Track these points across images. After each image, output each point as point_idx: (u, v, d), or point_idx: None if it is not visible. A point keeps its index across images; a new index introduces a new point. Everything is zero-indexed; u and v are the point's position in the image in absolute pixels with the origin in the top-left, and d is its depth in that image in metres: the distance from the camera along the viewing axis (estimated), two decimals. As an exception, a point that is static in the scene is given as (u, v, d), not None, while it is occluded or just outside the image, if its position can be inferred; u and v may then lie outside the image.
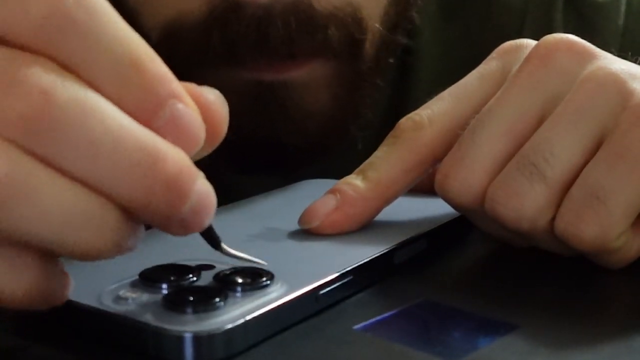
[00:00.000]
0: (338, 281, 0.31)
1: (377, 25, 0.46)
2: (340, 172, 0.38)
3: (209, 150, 0.27)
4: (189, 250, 0.34)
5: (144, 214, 0.25)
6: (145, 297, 0.28)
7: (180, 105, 0.25)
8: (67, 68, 0.24)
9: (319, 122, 0.46)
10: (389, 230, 0.37)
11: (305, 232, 0.36)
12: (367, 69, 0.47)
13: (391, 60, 0.51)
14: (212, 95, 0.27)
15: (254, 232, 0.36)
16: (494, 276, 0.36)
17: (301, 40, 0.43)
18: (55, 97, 0.23)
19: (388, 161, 0.37)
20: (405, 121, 0.38)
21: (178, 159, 0.25)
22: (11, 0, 0.24)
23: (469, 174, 0.35)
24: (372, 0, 0.46)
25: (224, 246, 0.29)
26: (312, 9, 0.43)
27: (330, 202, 0.36)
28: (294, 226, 0.37)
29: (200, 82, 0.45)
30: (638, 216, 0.33)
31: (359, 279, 0.33)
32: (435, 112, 0.37)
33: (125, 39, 0.25)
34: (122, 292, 0.29)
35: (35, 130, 0.23)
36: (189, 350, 0.26)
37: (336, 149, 0.49)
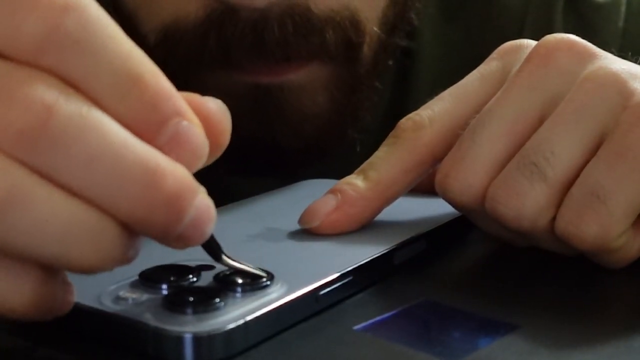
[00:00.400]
0: (338, 281, 0.31)
1: (374, 28, 0.46)
2: (340, 173, 0.38)
3: (211, 160, 0.27)
4: (189, 250, 0.33)
5: (143, 228, 0.25)
6: (145, 297, 0.28)
7: (183, 123, 0.25)
8: (69, 83, 0.24)
9: (316, 125, 0.46)
10: (389, 230, 0.37)
11: (305, 232, 0.36)
12: (365, 72, 0.47)
13: (390, 63, 0.51)
14: (215, 105, 0.27)
15: (254, 232, 0.36)
16: (494, 276, 0.36)
17: (297, 44, 0.43)
18: (56, 113, 0.23)
19: (388, 161, 0.37)
20: (405, 121, 0.38)
21: (178, 175, 0.25)
22: (7, 16, 0.24)
23: (469, 174, 0.35)
24: (369, 3, 0.46)
25: (225, 258, 0.29)
26: (309, 12, 0.43)
27: (331, 201, 0.36)
28: (294, 226, 0.37)
29: (198, 84, 0.45)
30: (638, 216, 0.33)
31: (359, 279, 0.33)
32: (436, 112, 0.37)
33: (127, 55, 0.25)
34: (122, 292, 0.29)
35: (35, 145, 0.23)
36: (189, 350, 0.26)
37: (334, 152, 0.49)
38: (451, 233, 0.39)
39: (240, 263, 0.30)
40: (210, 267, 0.31)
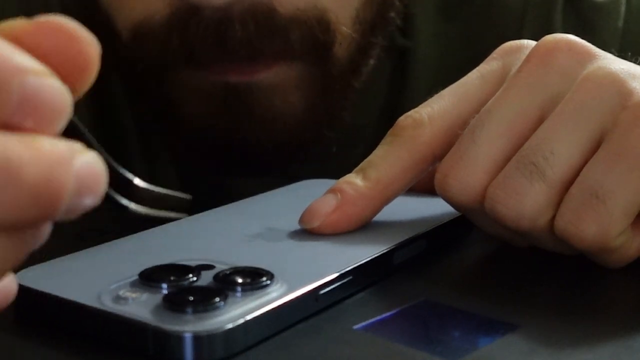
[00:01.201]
0: (338, 281, 0.31)
1: (345, 28, 0.46)
2: (339, 172, 0.38)
3: (84, 89, 0.23)
4: (189, 250, 0.34)
5: (21, 226, 0.21)
6: (145, 297, 0.28)
7: (30, 79, 0.20)
8: None
9: (289, 125, 0.46)
10: (389, 230, 0.37)
11: (305, 232, 0.36)
12: (338, 72, 0.47)
13: (371, 62, 0.50)
14: (71, 24, 0.22)
15: (254, 231, 0.36)
16: (494, 276, 0.36)
17: (261, 43, 0.43)
18: None
19: (388, 160, 0.37)
20: (404, 119, 0.38)
21: (40, 158, 0.20)
22: None
23: (468, 174, 0.35)
24: (340, 2, 0.46)
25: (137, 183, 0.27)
26: (273, 11, 0.43)
27: (331, 201, 0.36)
28: (294, 226, 0.37)
29: (171, 83, 0.45)
30: (638, 215, 0.33)
31: (358, 279, 0.33)
32: (435, 110, 0.37)
33: None
34: (122, 292, 0.29)
35: None
36: (189, 350, 0.26)
37: (310, 151, 0.49)
38: (451, 233, 0.39)
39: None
40: (210, 267, 0.31)
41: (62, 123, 0.21)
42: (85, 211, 0.22)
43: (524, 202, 0.33)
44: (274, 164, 0.48)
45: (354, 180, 0.37)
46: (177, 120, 0.47)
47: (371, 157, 0.38)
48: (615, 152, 0.33)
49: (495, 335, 0.29)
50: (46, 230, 0.23)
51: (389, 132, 0.38)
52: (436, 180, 0.36)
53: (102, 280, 0.29)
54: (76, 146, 0.21)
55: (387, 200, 0.37)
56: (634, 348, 0.29)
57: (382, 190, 0.37)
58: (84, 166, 0.21)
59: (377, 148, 0.38)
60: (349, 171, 0.38)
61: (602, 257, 0.35)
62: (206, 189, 0.53)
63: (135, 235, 0.36)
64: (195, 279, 0.30)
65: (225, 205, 0.41)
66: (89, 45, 0.22)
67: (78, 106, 0.22)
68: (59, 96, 0.21)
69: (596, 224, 0.33)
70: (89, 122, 0.54)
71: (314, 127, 0.48)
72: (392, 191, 0.37)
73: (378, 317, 0.31)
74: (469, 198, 0.35)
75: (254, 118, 0.45)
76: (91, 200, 0.22)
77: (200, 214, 0.39)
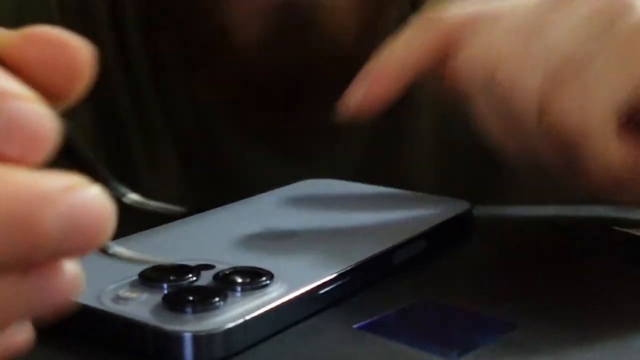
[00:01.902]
0: (338, 281, 0.31)
1: None
2: (338, 172, 0.38)
3: (80, 94, 0.22)
4: (189, 250, 0.34)
5: (6, 264, 0.19)
6: (145, 297, 0.28)
7: (15, 104, 0.19)
8: None
9: (343, 47, 0.47)
10: (388, 230, 0.37)
11: (306, 232, 0.36)
12: None
13: None
14: (55, 31, 0.21)
15: (254, 232, 0.36)
16: (494, 276, 0.36)
17: None
18: None
19: (407, 39, 0.37)
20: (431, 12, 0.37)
21: (13, 193, 0.19)
22: None
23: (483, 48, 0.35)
24: None
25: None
26: None
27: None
28: (294, 226, 0.37)
29: (225, 4, 0.45)
30: (630, 129, 0.33)
31: (358, 279, 0.33)
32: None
33: None
34: (122, 292, 0.29)
35: None
36: (188, 350, 0.26)
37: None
38: (451, 233, 0.39)
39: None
40: (210, 267, 0.31)
41: (47, 150, 0.20)
42: (85, 254, 0.20)
43: (526, 68, 0.33)
44: (323, 96, 0.49)
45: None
46: (230, 49, 0.47)
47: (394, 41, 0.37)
48: (618, 42, 0.33)
49: (495, 335, 0.29)
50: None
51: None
52: (457, 58, 0.36)
53: (102, 280, 0.30)
54: (70, 180, 0.19)
55: (408, 79, 0.37)
56: (634, 348, 0.29)
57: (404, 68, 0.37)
58: (76, 203, 0.19)
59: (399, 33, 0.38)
60: (347, 171, 0.38)
61: (585, 159, 0.34)
62: (208, 180, 0.53)
63: (135, 235, 0.36)
64: (195, 278, 0.30)
65: (225, 205, 0.41)
66: (80, 51, 0.21)
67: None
68: (45, 122, 0.20)
69: (580, 98, 0.32)
70: (88, 116, 0.54)
71: (365, 50, 0.49)
72: (412, 68, 0.37)
73: (377, 317, 0.31)
74: (477, 71, 0.35)
75: (312, 37, 0.45)
76: (88, 242, 0.20)
77: (200, 214, 0.39)
